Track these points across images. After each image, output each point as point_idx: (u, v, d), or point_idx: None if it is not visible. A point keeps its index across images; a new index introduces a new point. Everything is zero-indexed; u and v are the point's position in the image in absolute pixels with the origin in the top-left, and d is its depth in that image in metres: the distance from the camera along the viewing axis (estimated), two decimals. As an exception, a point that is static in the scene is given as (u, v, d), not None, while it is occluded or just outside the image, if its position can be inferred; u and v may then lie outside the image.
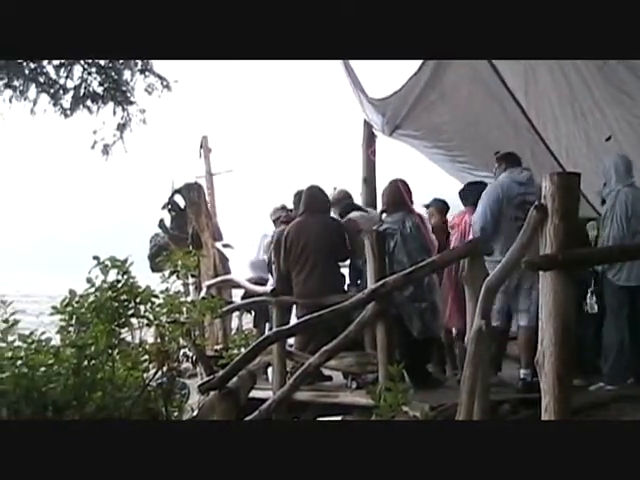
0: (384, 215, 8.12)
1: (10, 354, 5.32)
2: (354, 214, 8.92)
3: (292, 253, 8.40)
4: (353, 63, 9.85)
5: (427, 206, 9.30)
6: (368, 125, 10.93)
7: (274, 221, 10.25)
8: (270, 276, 9.87)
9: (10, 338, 5.41)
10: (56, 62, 11.85)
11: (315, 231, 8.33)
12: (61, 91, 12.13)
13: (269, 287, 9.23)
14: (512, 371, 7.43)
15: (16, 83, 11.87)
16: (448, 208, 9.32)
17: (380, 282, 6.43)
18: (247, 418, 6.03)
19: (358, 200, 10.34)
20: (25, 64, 11.61)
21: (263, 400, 6.46)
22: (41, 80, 11.92)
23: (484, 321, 4.75)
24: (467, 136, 10.26)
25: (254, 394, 7.02)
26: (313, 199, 8.58)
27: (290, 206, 9.77)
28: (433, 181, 8.85)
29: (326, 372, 8.09)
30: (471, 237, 7.58)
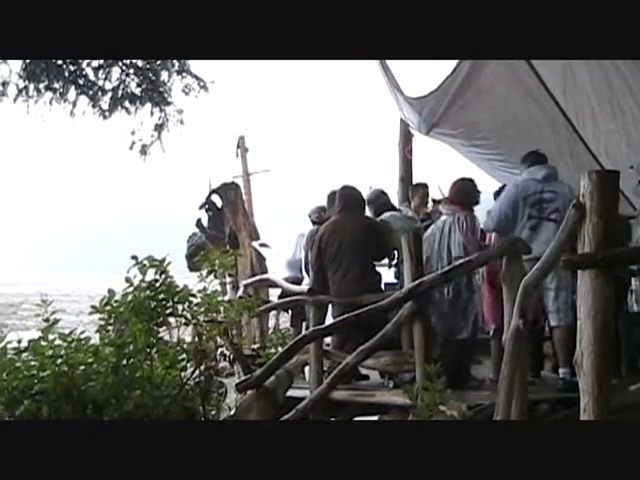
0: (441, 207, 8.15)
1: (51, 353, 5.37)
2: (385, 215, 8.92)
3: (327, 253, 8.41)
4: (390, 62, 9.84)
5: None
6: (405, 124, 10.91)
7: (313, 221, 10.27)
8: (306, 275, 9.89)
9: (51, 337, 5.46)
10: (95, 64, 11.97)
11: (350, 231, 8.32)
12: (100, 93, 12.25)
13: (305, 286, 9.25)
14: (548, 371, 7.39)
15: (56, 85, 12.01)
16: None
17: (417, 281, 6.41)
18: (284, 417, 6.05)
19: (395, 199, 10.33)
20: (65, 66, 11.74)
21: (300, 399, 6.46)
22: (80, 82, 12.05)
23: (522, 320, 4.72)
24: (504, 135, 10.21)
25: (291, 393, 7.03)
26: (348, 198, 8.58)
27: (329, 206, 9.79)
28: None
29: (363, 371, 8.09)
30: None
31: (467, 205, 7.98)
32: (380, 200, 9.37)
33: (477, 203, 8.13)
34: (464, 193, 8.05)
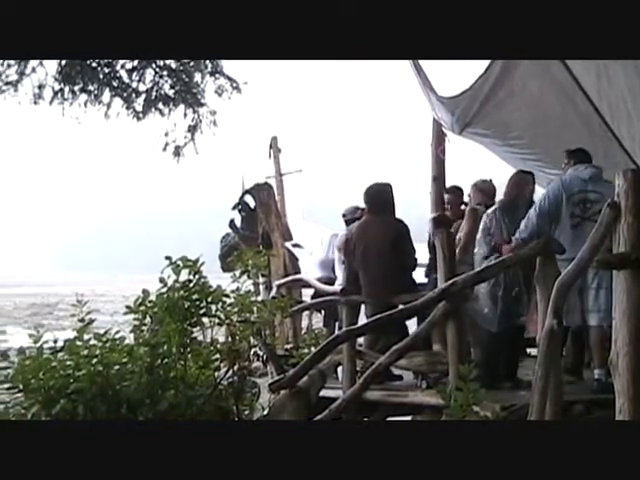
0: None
1: (86, 352, 5.43)
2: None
3: (357, 254, 8.41)
4: (422, 62, 9.80)
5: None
6: (437, 124, 10.86)
7: (347, 221, 10.26)
8: (339, 275, 9.89)
9: (86, 337, 5.52)
10: (129, 66, 12.06)
11: (376, 233, 8.32)
12: (134, 94, 12.34)
13: (338, 287, 9.24)
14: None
15: (91, 87, 12.11)
16: None
17: (450, 281, 6.39)
18: (317, 417, 6.06)
19: (427, 199, 10.29)
20: (99, 69, 11.84)
21: (333, 399, 6.47)
22: (114, 84, 12.14)
23: (556, 321, 4.69)
24: (537, 134, 10.12)
25: (324, 393, 7.03)
26: (375, 199, 8.56)
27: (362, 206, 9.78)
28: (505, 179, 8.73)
29: (396, 371, 8.08)
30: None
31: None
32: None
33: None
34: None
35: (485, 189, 9.17)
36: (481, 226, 7.71)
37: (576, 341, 7.45)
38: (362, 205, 9.81)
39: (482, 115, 9.78)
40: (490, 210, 7.89)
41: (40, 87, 12.18)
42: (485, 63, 8.79)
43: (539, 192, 8.57)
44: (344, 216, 10.40)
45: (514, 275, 7.30)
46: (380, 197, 8.59)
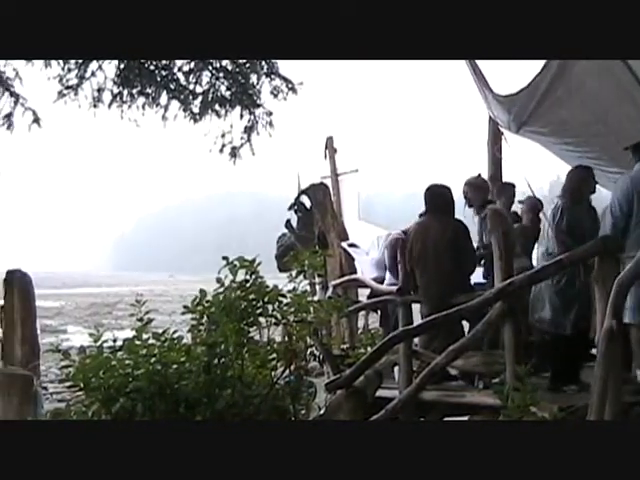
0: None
1: (145, 352, 5.50)
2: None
3: (414, 254, 8.40)
4: (479, 60, 9.75)
5: (521, 202, 9.26)
6: (494, 122, 10.80)
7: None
8: (389, 275, 9.88)
9: (145, 336, 5.59)
10: (186, 68, 12.17)
11: (434, 234, 8.29)
12: (191, 96, 12.45)
13: (394, 286, 9.21)
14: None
15: (149, 90, 12.25)
16: (542, 206, 9.28)
17: (507, 281, 6.34)
18: (373, 417, 6.06)
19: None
20: (157, 71, 11.97)
21: (389, 399, 6.46)
22: (172, 86, 12.26)
23: (615, 320, 4.64)
24: (596, 131, 9.99)
25: (380, 393, 7.03)
26: (435, 199, 8.53)
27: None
28: (562, 177, 8.66)
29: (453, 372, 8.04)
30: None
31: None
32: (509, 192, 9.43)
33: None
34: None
35: (480, 185, 9.17)
36: (545, 222, 7.61)
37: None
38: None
39: (539, 113, 9.70)
40: (553, 206, 7.80)
41: (99, 90, 12.35)
42: (542, 61, 8.72)
43: (598, 190, 8.48)
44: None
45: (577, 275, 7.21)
46: (440, 198, 8.56)
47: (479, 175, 9.63)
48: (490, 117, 10.80)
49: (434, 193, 8.61)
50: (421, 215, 8.70)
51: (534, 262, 8.59)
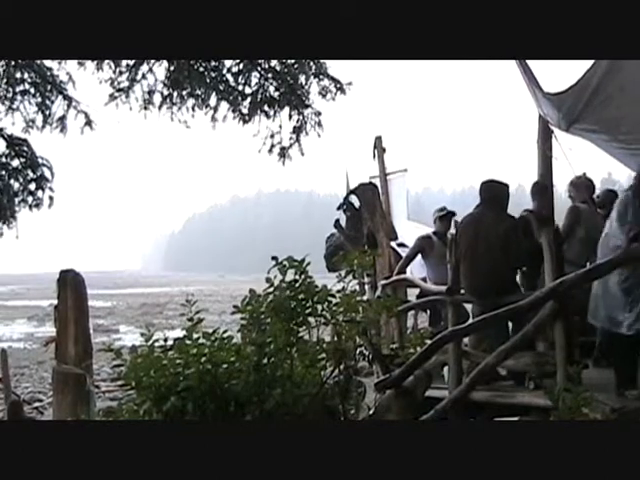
0: None
1: (195, 351, 5.54)
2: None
3: (460, 246, 8.36)
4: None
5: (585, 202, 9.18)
6: (544, 121, 10.70)
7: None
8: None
9: (195, 336, 5.63)
10: (235, 69, 12.25)
11: (485, 226, 8.24)
12: (240, 97, 12.53)
13: (443, 286, 9.18)
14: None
15: (198, 92, 12.36)
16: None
17: (558, 280, 6.28)
18: (423, 417, 6.05)
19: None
20: (206, 73, 12.07)
21: (439, 399, 6.45)
22: (221, 88, 12.35)
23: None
24: (648, 129, 9.85)
25: (430, 393, 7.01)
26: (489, 193, 8.50)
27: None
28: (615, 175, 8.58)
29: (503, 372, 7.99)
30: None
31: None
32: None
33: None
34: None
35: (584, 184, 9.07)
36: (614, 215, 7.44)
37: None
38: None
39: (589, 111, 9.58)
40: (622, 196, 7.66)
41: (150, 92, 12.52)
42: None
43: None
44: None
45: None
46: (495, 192, 8.54)
47: (583, 174, 9.56)
48: (540, 115, 10.70)
49: (490, 187, 8.60)
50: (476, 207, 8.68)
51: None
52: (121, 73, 12.24)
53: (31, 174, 12.81)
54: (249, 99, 12.59)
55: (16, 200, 12.76)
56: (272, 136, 13.03)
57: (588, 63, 8.54)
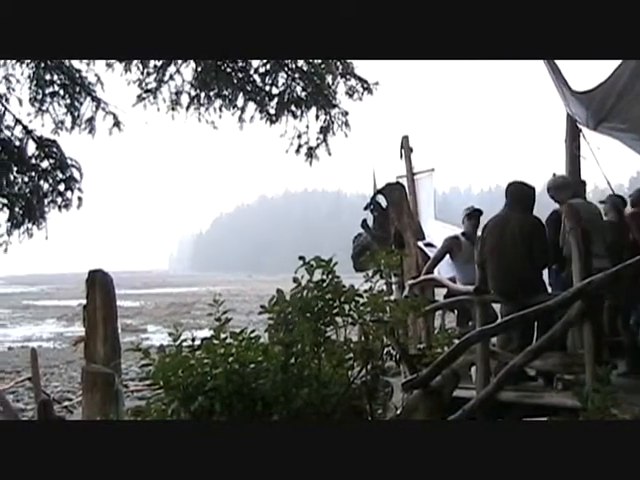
0: None
1: (222, 351, 5.55)
2: (576, 200, 8.78)
3: (487, 246, 8.35)
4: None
5: (603, 202, 9.07)
6: (572, 119, 10.66)
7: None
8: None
9: (222, 335, 5.65)
10: (262, 70, 12.29)
11: (511, 227, 8.23)
12: (267, 98, 12.56)
13: (471, 286, 9.15)
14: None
15: (225, 92, 12.41)
16: (625, 204, 9.06)
17: (586, 280, 6.24)
18: (450, 417, 6.03)
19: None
20: (233, 74, 12.13)
21: (466, 399, 6.42)
22: (248, 88, 12.40)
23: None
24: (676, 127, 9.79)
25: (457, 393, 6.98)
26: (514, 195, 8.48)
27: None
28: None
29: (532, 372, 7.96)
30: None
31: None
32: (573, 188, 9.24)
33: None
34: None
35: (564, 183, 9.03)
36: None
37: None
38: None
39: (618, 109, 9.53)
40: None
41: (177, 93, 12.59)
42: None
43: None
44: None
45: None
46: (522, 193, 8.52)
47: (560, 174, 9.50)
48: (568, 114, 10.67)
49: (516, 188, 8.58)
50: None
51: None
52: (149, 74, 12.33)
53: (60, 175, 12.89)
54: (276, 99, 12.63)
55: (45, 201, 12.86)
56: (299, 136, 13.07)
57: (616, 62, 8.50)
